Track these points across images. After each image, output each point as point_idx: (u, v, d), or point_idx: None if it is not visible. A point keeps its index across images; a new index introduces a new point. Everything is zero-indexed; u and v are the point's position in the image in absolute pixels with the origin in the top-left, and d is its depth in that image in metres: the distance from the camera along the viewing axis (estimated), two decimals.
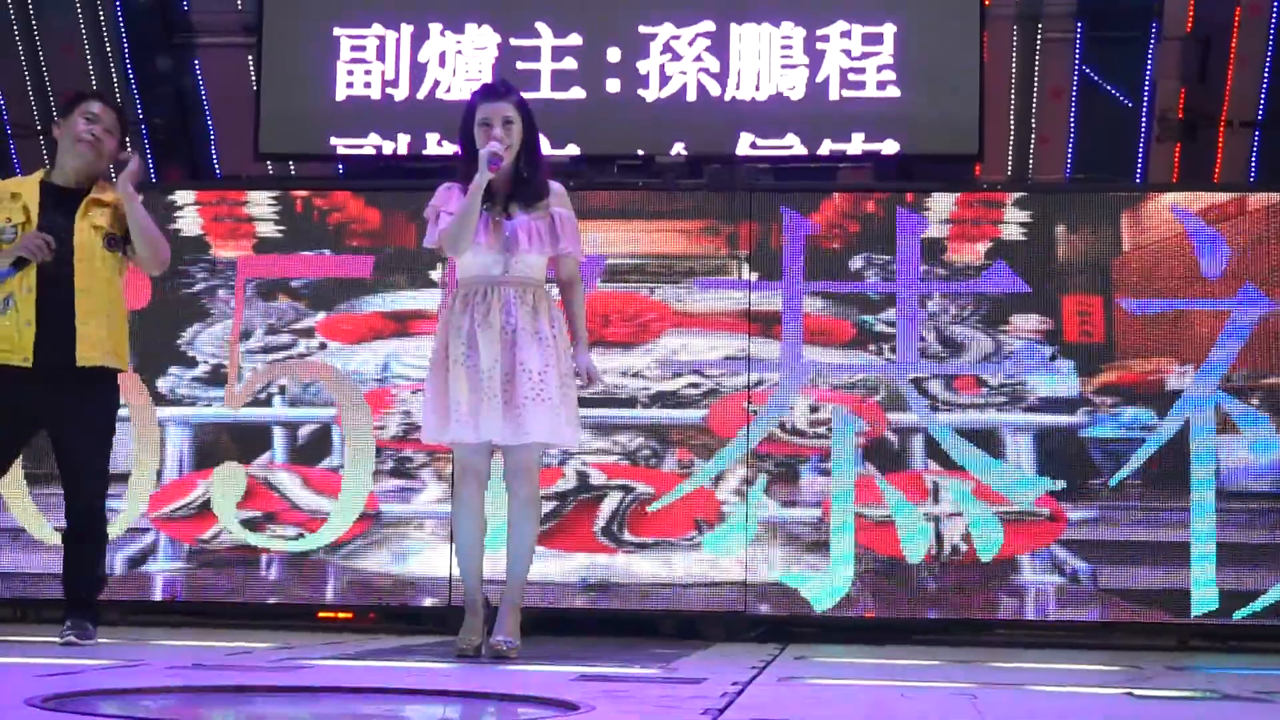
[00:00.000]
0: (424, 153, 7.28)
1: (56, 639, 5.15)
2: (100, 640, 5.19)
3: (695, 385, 6.62)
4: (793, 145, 7.15)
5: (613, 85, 7.22)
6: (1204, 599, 6.37)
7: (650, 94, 7.23)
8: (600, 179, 7.08)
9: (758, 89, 7.19)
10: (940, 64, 7.12)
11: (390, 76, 7.34)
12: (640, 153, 7.17)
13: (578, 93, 7.25)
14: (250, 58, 7.99)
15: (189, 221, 6.90)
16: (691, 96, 7.21)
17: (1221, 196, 6.65)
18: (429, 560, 6.64)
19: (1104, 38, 8.26)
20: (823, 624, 6.59)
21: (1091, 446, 6.48)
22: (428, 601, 6.64)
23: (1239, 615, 6.35)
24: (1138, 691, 4.35)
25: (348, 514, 6.68)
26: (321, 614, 6.81)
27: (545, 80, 7.26)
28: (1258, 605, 6.36)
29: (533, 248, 4.96)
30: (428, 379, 5.04)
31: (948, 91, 7.08)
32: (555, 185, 5.11)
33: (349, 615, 6.84)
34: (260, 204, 6.90)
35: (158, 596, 6.75)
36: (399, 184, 7.03)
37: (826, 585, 6.47)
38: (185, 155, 8.68)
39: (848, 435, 6.53)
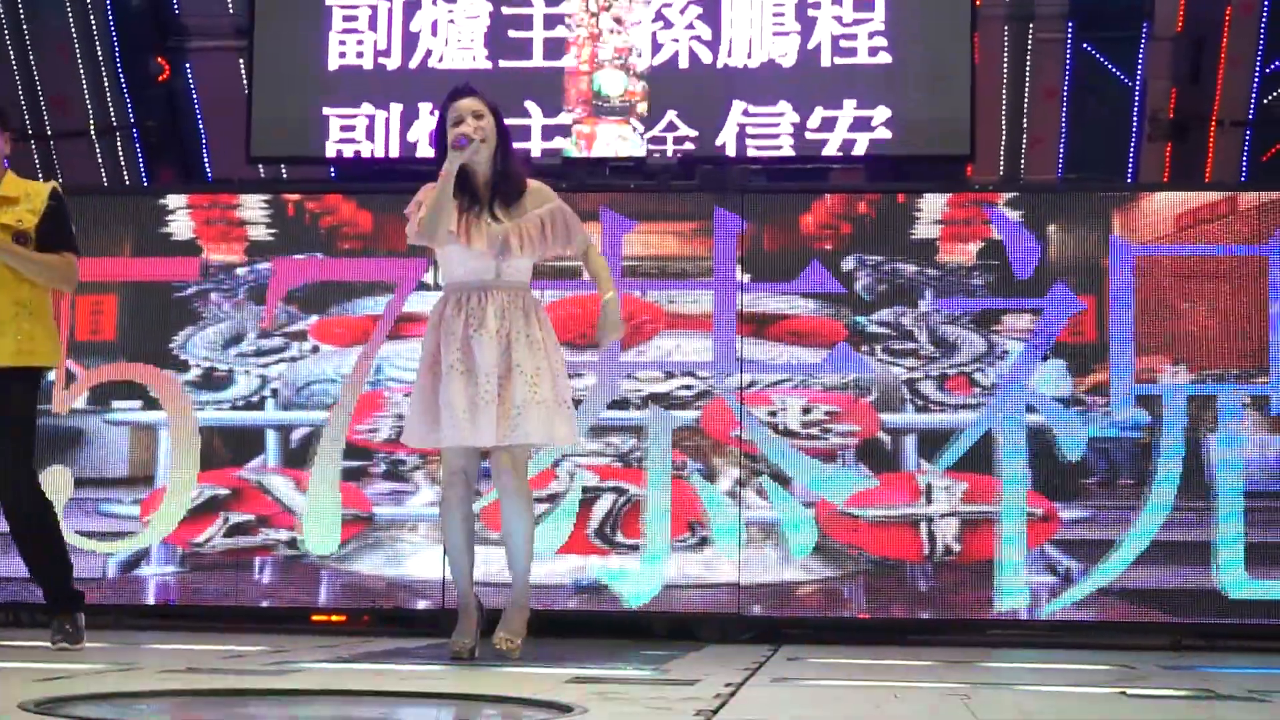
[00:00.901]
0: (417, 154, 7.31)
1: (48, 644, 5.14)
2: (93, 644, 5.18)
3: (688, 387, 6.62)
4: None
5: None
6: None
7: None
8: (592, 180, 7.09)
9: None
10: (932, 62, 7.17)
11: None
12: (640, 154, 7.21)
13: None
14: (241, 61, 7.99)
15: (181, 225, 6.89)
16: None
17: (1212, 196, 6.66)
18: (422, 563, 6.63)
19: (1095, 38, 8.27)
20: (815, 625, 6.58)
21: (1084, 446, 6.48)
22: (421, 604, 6.63)
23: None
24: (1131, 691, 4.36)
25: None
26: (315, 617, 6.80)
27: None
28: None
29: (522, 249, 4.96)
30: (418, 381, 5.03)
31: (940, 88, 7.13)
32: (537, 184, 5.10)
33: (342, 618, 6.83)
34: (252, 207, 6.89)
35: (151, 600, 6.74)
36: (391, 186, 7.02)
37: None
38: (176, 158, 8.68)
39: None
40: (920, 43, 7.19)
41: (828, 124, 7.21)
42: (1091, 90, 8.27)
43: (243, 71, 7.89)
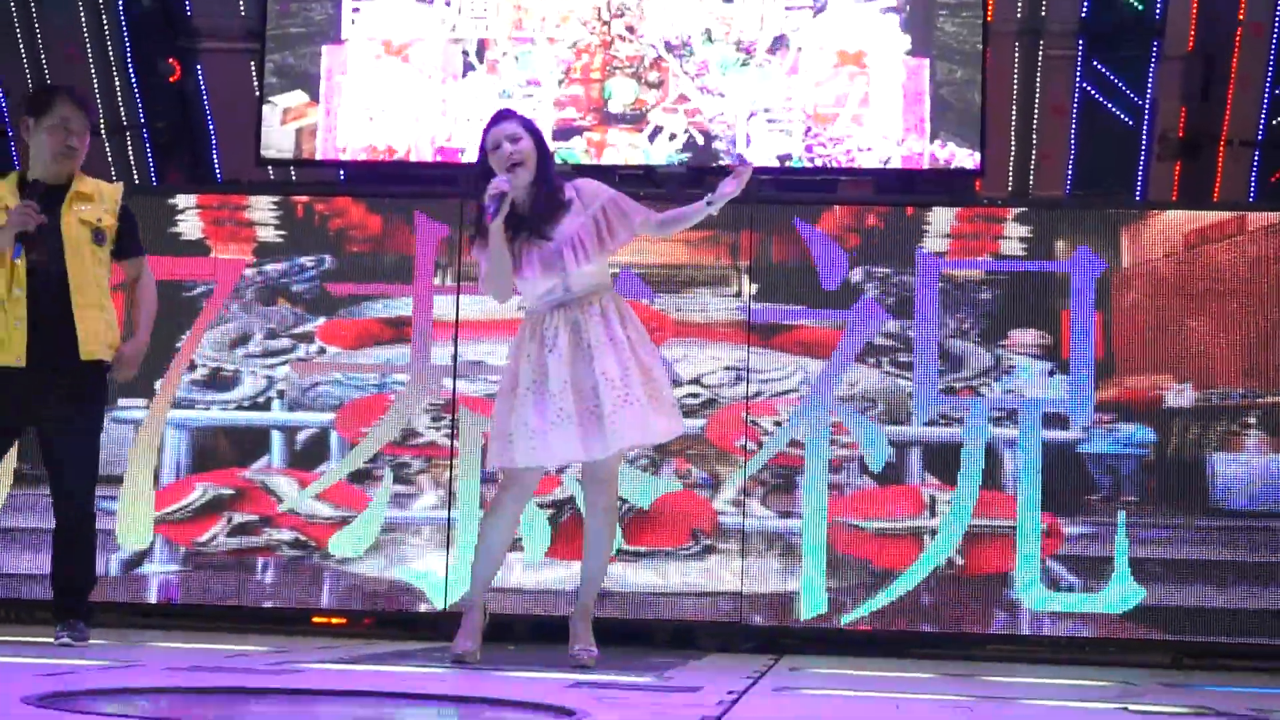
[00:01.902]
0: (423, 159, 7.32)
1: (50, 640, 5.15)
2: (96, 642, 5.19)
3: (694, 395, 6.63)
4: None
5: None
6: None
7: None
8: None
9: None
10: (943, 76, 7.19)
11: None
12: (649, 163, 7.24)
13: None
14: (252, 63, 8.00)
15: (190, 225, 6.90)
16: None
17: (1221, 215, 6.66)
18: (425, 566, 6.63)
19: (1106, 56, 8.28)
20: (817, 636, 6.57)
21: (1089, 462, 6.49)
22: (423, 607, 6.63)
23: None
24: (1132, 707, 4.36)
25: None
26: (316, 619, 6.80)
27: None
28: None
29: (580, 261, 4.92)
30: (496, 404, 5.05)
31: (951, 103, 7.15)
32: (582, 183, 5.06)
33: (343, 620, 6.84)
34: (261, 208, 6.90)
35: (153, 599, 6.74)
36: (401, 190, 7.04)
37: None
38: (186, 158, 8.69)
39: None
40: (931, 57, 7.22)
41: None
42: (1101, 107, 8.27)
43: (253, 73, 7.90)
